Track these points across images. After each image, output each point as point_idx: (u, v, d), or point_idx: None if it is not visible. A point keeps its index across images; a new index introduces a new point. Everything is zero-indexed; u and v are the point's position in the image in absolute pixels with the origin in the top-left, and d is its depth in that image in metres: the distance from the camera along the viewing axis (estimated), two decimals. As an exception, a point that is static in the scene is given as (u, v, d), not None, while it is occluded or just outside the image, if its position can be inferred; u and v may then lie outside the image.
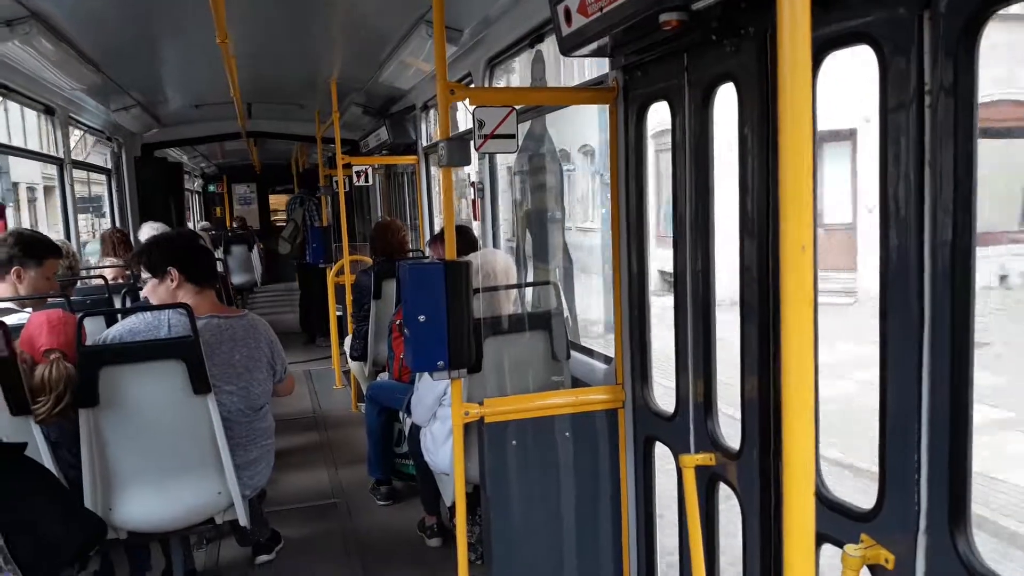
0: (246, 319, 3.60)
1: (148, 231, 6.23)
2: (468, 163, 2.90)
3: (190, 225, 12.86)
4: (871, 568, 1.98)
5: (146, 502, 3.30)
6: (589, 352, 4.07)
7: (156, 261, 3.46)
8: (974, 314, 1.71)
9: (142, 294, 3.61)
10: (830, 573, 2.11)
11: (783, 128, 0.97)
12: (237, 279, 12.09)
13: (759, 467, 2.50)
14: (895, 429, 1.90)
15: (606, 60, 3.19)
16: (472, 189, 5.15)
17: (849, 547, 1.98)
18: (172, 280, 3.44)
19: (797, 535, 1.07)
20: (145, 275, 3.50)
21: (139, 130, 9.14)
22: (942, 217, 1.72)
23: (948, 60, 1.68)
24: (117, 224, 8.77)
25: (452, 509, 3.75)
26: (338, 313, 7.93)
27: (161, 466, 3.29)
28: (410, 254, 6.33)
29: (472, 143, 2.98)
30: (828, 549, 2.14)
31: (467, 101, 3.02)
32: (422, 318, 2.87)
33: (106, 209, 9.31)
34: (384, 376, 5.35)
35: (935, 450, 1.81)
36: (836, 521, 2.14)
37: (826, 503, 2.17)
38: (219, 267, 6.95)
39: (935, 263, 1.75)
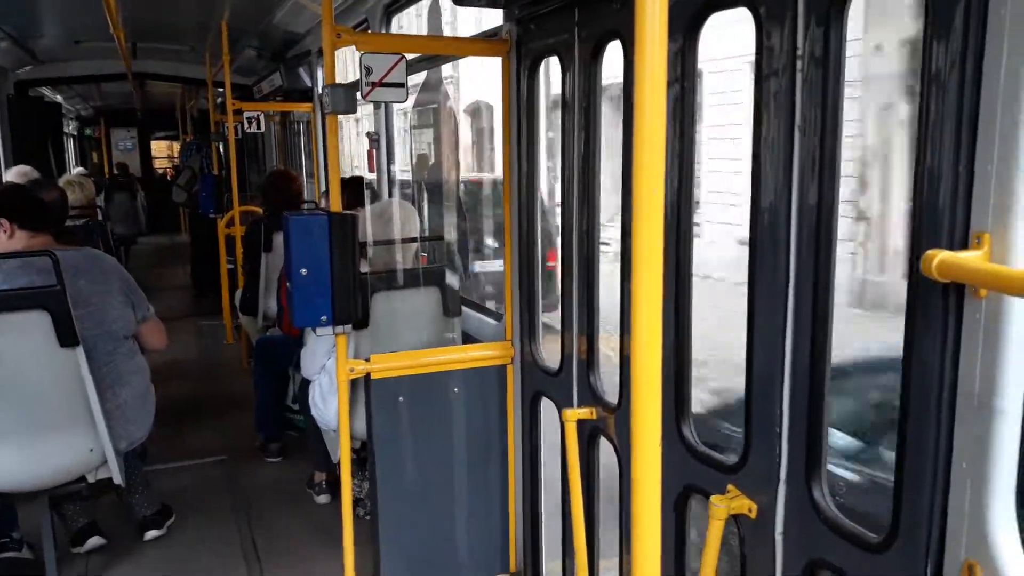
0: (85, 250, 3.57)
1: (15, 177, 5.83)
2: (354, 111, 2.81)
3: (67, 171, 12.09)
4: (735, 517, 2.07)
5: (9, 460, 3.13)
6: (482, 308, 4.07)
7: None
8: (834, 275, 1.78)
9: None
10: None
11: (638, 84, 0.96)
12: (120, 229, 11.50)
13: (635, 421, 2.55)
14: (760, 386, 1.97)
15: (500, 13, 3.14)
16: (367, 140, 5.02)
17: (715, 497, 2.06)
18: (5, 231, 3.41)
19: (644, 486, 1.09)
20: None
21: (11, 66, 8.50)
22: (808, 180, 1.78)
23: (819, 27, 1.71)
24: (-13, 167, 8.19)
25: (340, 465, 3.71)
26: (229, 266, 7.68)
27: (25, 422, 3.12)
28: (304, 206, 6.15)
29: (359, 91, 2.89)
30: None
31: (356, 47, 2.92)
32: (304, 271, 2.80)
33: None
34: (274, 331, 5.22)
35: (795, 406, 1.89)
36: (705, 473, 2.22)
37: (696, 455, 2.25)
38: (99, 215, 6.62)
39: (800, 224, 1.81)
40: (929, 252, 1.35)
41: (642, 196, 0.97)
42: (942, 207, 1.45)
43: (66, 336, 3.01)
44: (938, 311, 1.46)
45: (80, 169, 14.72)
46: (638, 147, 0.95)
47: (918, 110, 1.48)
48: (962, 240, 1.42)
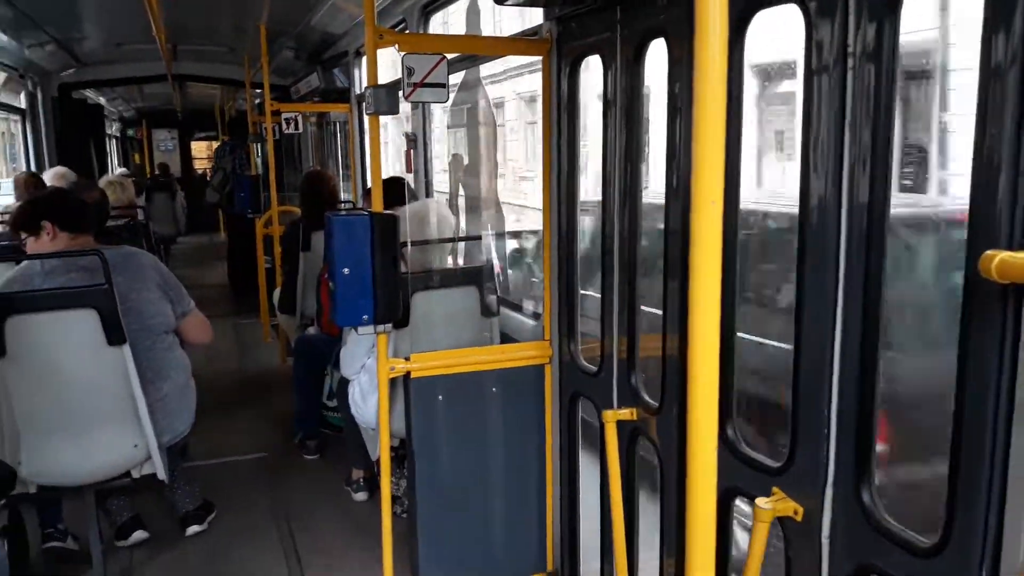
0: (123, 249, 3.63)
1: (52, 178, 5.95)
2: (396, 111, 2.83)
3: (109, 171, 12.31)
4: (780, 520, 2.04)
5: (57, 455, 3.20)
6: (519, 308, 4.07)
7: (29, 220, 3.51)
8: (885, 273, 1.75)
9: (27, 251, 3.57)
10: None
11: (698, 85, 0.95)
12: (159, 229, 11.69)
13: (677, 423, 2.54)
14: (807, 386, 1.95)
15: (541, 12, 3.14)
16: (405, 140, 5.05)
17: (760, 500, 2.04)
18: (48, 233, 3.48)
19: (700, 488, 1.08)
20: (24, 236, 3.54)
21: (55, 69, 8.68)
22: (859, 178, 1.75)
23: (871, 23, 1.69)
24: (32, 167, 8.37)
25: (379, 463, 3.74)
26: (267, 265, 7.76)
27: (73, 418, 3.18)
28: (341, 205, 6.20)
29: (401, 91, 2.91)
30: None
31: (397, 48, 2.94)
32: (347, 271, 2.82)
33: (20, 151, 8.86)
34: (313, 330, 5.27)
35: (844, 407, 1.86)
36: (749, 475, 2.19)
37: (740, 458, 2.23)
38: (140, 215, 6.73)
39: (851, 224, 1.79)
40: (988, 252, 1.32)
41: (701, 197, 0.96)
42: (1000, 207, 1.42)
43: (114, 334, 3.07)
44: (996, 313, 1.43)
45: (122, 170, 15.00)
46: (697, 148, 0.94)
47: (976, 106, 1.45)
48: (1021, 240, 1.39)
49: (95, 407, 3.23)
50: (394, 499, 3.72)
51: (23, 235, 3.55)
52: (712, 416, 1.08)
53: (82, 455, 3.24)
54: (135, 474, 3.40)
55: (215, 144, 16.09)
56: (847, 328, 1.83)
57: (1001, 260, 1.31)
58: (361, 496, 4.53)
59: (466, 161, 6.81)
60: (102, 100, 13.64)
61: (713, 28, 0.97)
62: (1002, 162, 1.41)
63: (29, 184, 5.84)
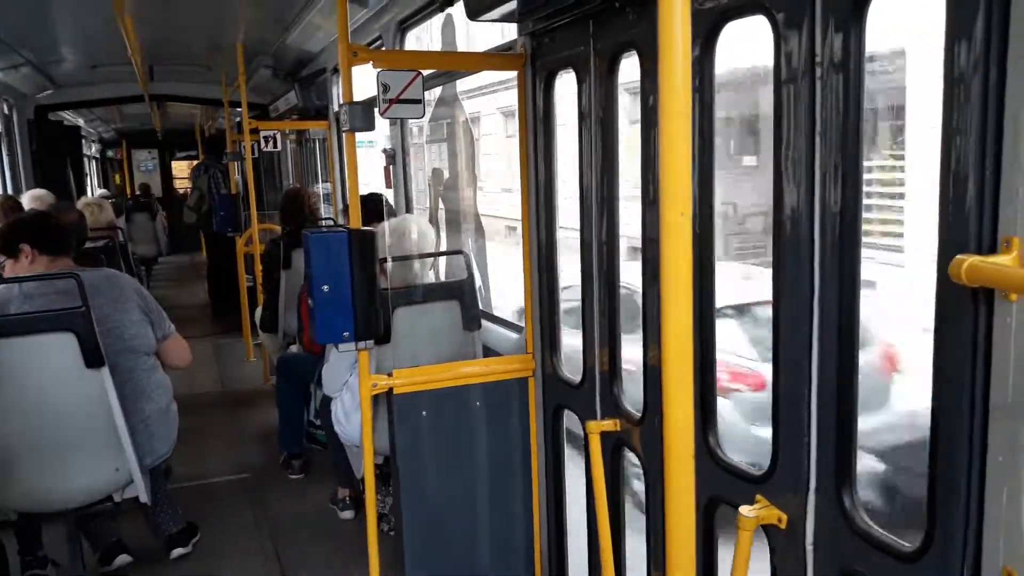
0: (103, 271, 3.63)
1: (29, 201, 5.91)
2: (372, 128, 2.83)
3: (88, 192, 12.23)
4: (765, 528, 2.05)
5: (37, 481, 3.16)
6: (501, 322, 4.07)
7: (8, 243, 3.49)
8: (860, 281, 1.76)
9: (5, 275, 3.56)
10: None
11: (663, 97, 0.96)
12: (140, 249, 11.62)
13: (660, 433, 2.54)
14: (787, 394, 1.96)
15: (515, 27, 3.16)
16: (383, 156, 5.04)
17: (744, 508, 2.04)
18: (27, 256, 3.46)
19: (680, 497, 1.08)
20: (2, 259, 3.54)
21: (31, 91, 8.62)
22: (831, 186, 1.77)
23: (838, 32, 1.71)
24: (9, 191, 8.29)
25: (364, 481, 3.72)
26: (248, 284, 7.72)
27: (53, 443, 3.15)
28: (321, 223, 6.19)
29: (376, 108, 2.91)
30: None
31: (372, 64, 2.94)
32: (326, 288, 2.81)
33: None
34: (295, 348, 5.24)
35: (823, 414, 1.87)
36: (732, 484, 2.20)
37: (723, 466, 2.23)
38: (120, 236, 6.68)
39: (824, 232, 1.80)
40: (958, 257, 1.34)
41: (669, 210, 0.96)
42: (968, 211, 1.43)
43: (92, 357, 3.04)
44: (968, 317, 1.45)
45: (102, 191, 14.90)
46: (664, 162, 0.95)
47: (942, 113, 1.47)
48: (990, 244, 1.40)
49: (75, 431, 3.19)
50: (381, 517, 3.71)
51: (1, 258, 3.53)
52: (688, 428, 1.08)
53: (62, 480, 3.20)
54: (117, 497, 3.37)
55: (192, 164, 16.04)
56: (824, 334, 1.84)
57: (970, 264, 1.32)
58: (347, 515, 4.50)
59: (446, 175, 6.82)
60: (80, 121, 13.56)
61: (677, 41, 0.97)
62: (969, 168, 1.43)
63: (6, 207, 5.77)
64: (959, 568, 1.53)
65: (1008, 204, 1.36)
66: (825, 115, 1.76)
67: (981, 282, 1.34)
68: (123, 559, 3.98)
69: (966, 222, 1.44)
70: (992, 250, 1.39)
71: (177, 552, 4.11)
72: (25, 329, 3.03)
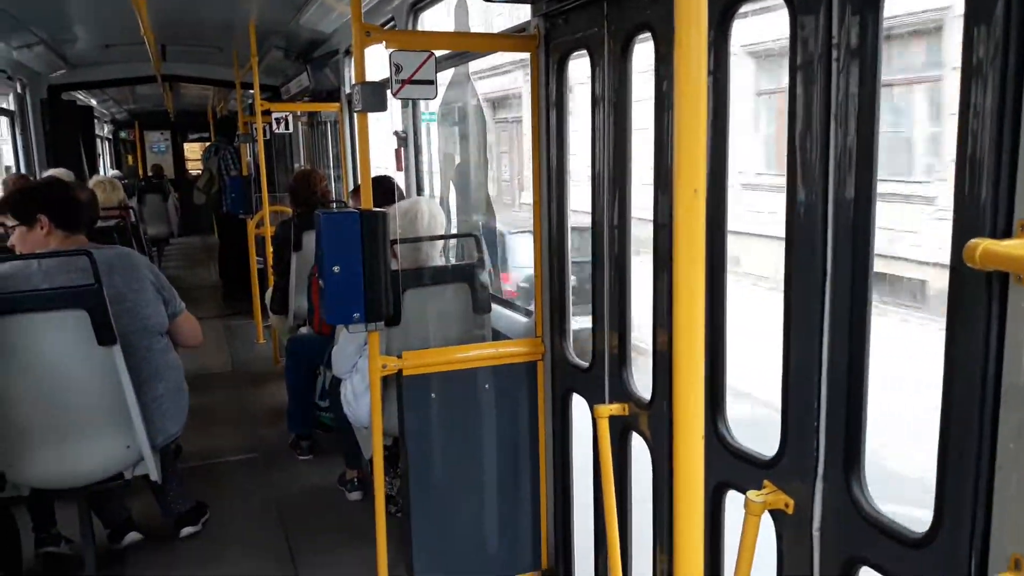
0: (117, 248, 3.57)
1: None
2: (384, 108, 2.82)
3: (101, 173, 12.27)
4: (772, 513, 2.05)
5: (49, 458, 3.18)
6: (511, 305, 4.07)
7: (25, 208, 3.41)
8: (872, 266, 1.75)
9: (9, 242, 3.50)
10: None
11: (679, 73, 0.95)
12: (152, 230, 11.67)
13: (668, 417, 2.55)
14: (796, 380, 1.95)
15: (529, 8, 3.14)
16: (395, 138, 5.04)
17: (751, 493, 2.04)
18: (42, 227, 3.40)
19: (686, 481, 1.08)
20: (11, 223, 3.43)
21: (44, 70, 8.64)
22: (845, 172, 1.75)
23: (855, 16, 1.69)
24: (23, 170, 8.33)
25: (372, 462, 3.73)
26: (259, 265, 7.74)
27: (64, 420, 3.17)
28: (332, 205, 6.19)
29: (389, 89, 2.90)
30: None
31: (384, 45, 2.93)
32: (337, 269, 2.81)
33: (8, 154, 8.82)
34: (305, 330, 5.26)
35: (833, 400, 1.86)
36: (740, 469, 2.20)
37: (731, 451, 2.23)
38: (132, 217, 6.71)
39: (837, 217, 1.79)
40: (972, 241, 1.33)
41: (683, 190, 0.96)
42: (984, 195, 1.42)
43: (104, 334, 3.05)
44: (981, 300, 1.44)
45: (115, 172, 14.95)
46: (679, 133, 0.94)
47: (959, 99, 1.45)
48: (1005, 228, 1.39)
49: (86, 409, 3.21)
50: (389, 498, 3.72)
51: (10, 223, 3.43)
52: (698, 410, 1.08)
53: (74, 457, 3.23)
54: (128, 475, 3.39)
55: (204, 146, 16.09)
56: (835, 321, 1.83)
57: (984, 248, 1.31)
58: (355, 496, 4.53)
59: (457, 160, 6.80)
60: (93, 102, 13.59)
61: (694, 20, 0.97)
62: (984, 153, 1.41)
63: (18, 186, 5.80)
64: (967, 554, 1.52)
65: None
66: (840, 99, 1.75)
67: (995, 265, 1.33)
68: (133, 536, 4.02)
69: (982, 206, 1.43)
70: (1007, 234, 1.38)
71: (187, 530, 4.15)
72: (38, 306, 3.04)
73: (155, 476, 3.37)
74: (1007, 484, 1.43)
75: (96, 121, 14.22)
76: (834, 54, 1.74)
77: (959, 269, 1.45)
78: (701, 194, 0.96)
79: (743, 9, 2.07)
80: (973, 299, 1.45)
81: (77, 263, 3.23)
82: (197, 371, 6.55)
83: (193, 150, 20.30)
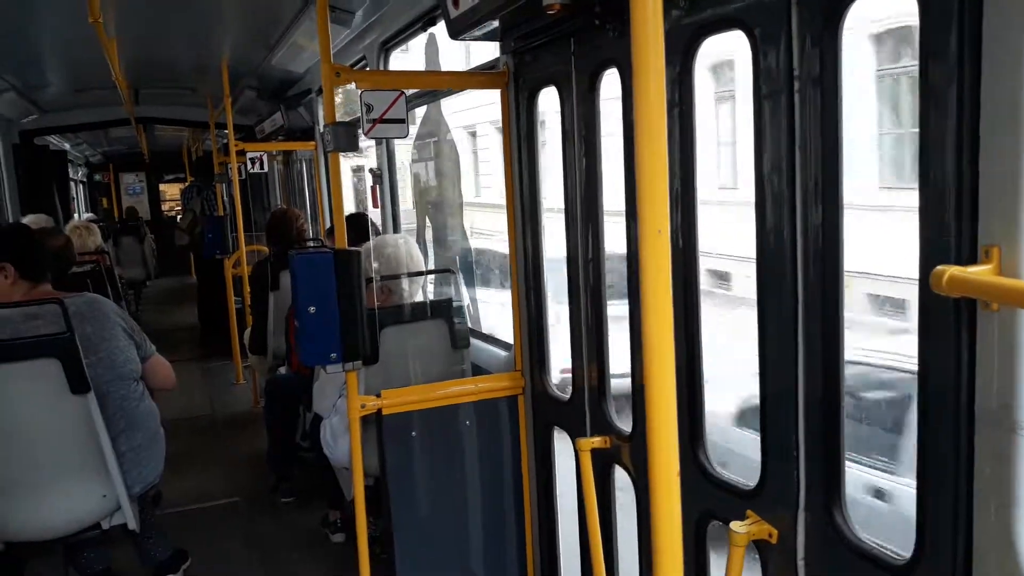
0: (85, 296, 3.50)
1: (30, 225, 5.86)
2: (356, 148, 2.83)
3: (76, 217, 12.18)
4: (756, 543, 2.04)
5: (23, 510, 3.12)
6: (490, 339, 4.05)
7: None
8: (843, 294, 1.76)
9: None
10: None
11: (639, 114, 0.96)
12: (128, 273, 11.57)
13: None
14: (774, 410, 1.95)
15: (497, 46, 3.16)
16: (370, 176, 5.04)
17: (735, 524, 2.03)
18: (6, 276, 3.33)
19: (665, 514, 1.07)
20: None
21: (16, 116, 8.60)
22: (812, 200, 1.77)
23: (814, 47, 1.72)
24: (-5, 217, 8.25)
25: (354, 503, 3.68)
26: (237, 306, 7.69)
27: (38, 471, 3.11)
28: (309, 243, 6.18)
29: (360, 128, 2.91)
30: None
31: (355, 84, 2.94)
32: (312, 309, 2.80)
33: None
34: (284, 370, 5.21)
35: (811, 430, 1.86)
36: (723, 499, 2.19)
37: (712, 481, 2.22)
38: (107, 261, 6.65)
39: (806, 245, 1.80)
40: (938, 268, 1.34)
41: (647, 231, 0.96)
42: (948, 222, 1.44)
43: (77, 383, 3.00)
44: (950, 327, 1.45)
45: (89, 215, 14.83)
46: (641, 178, 0.95)
47: (919, 126, 1.48)
48: (970, 254, 1.41)
49: (61, 459, 3.15)
50: (373, 539, 3.66)
51: None
52: (672, 446, 1.08)
53: (49, 508, 3.16)
54: (105, 525, 3.32)
55: (183, 187, 16.04)
56: (809, 348, 1.84)
57: (951, 275, 1.32)
58: (339, 538, 4.46)
59: (433, 194, 6.84)
60: (66, 145, 13.52)
61: (651, 57, 0.97)
62: (948, 179, 1.43)
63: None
64: None
65: (987, 214, 1.37)
66: (804, 129, 1.77)
67: (962, 292, 1.34)
68: None
69: (946, 233, 1.44)
70: (972, 260, 1.40)
71: None
72: (9, 356, 3.00)
73: (133, 525, 3.31)
74: (986, 509, 1.43)
75: (70, 164, 14.14)
76: (796, 85, 1.77)
77: (928, 295, 1.46)
78: (665, 234, 0.97)
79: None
80: (943, 325, 1.47)
81: (45, 312, 3.18)
82: (176, 415, 6.47)
83: (173, 192, 20.24)
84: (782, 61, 1.79)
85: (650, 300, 0.99)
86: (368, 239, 4.23)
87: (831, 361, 1.78)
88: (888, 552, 1.71)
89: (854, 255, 1.76)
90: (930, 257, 1.47)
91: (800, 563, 1.93)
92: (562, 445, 3.24)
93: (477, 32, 2.88)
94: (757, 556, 2.05)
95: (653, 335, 1.01)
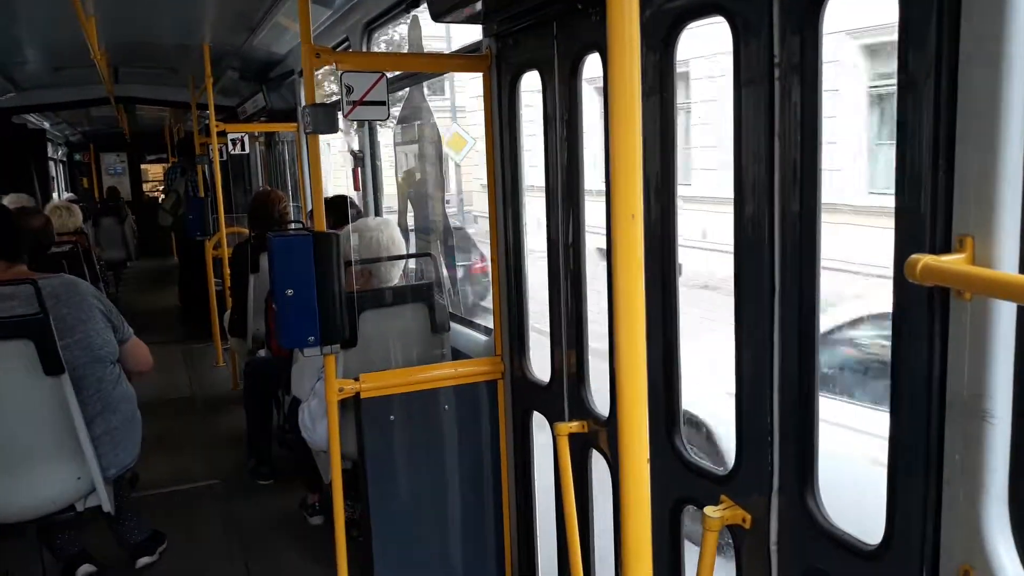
0: (61, 277, 3.46)
1: (11, 204, 5.81)
2: (335, 130, 2.80)
3: (55, 196, 12.03)
4: (730, 528, 2.05)
5: (-5, 491, 3.09)
6: (471, 324, 4.05)
7: None
8: (819, 281, 1.77)
9: None
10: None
11: (613, 98, 0.95)
12: (108, 254, 11.45)
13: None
14: (749, 395, 1.96)
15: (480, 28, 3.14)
16: (352, 158, 5.01)
17: (709, 509, 2.04)
18: None
19: (635, 500, 1.08)
20: None
21: None
22: (790, 188, 1.77)
23: (795, 35, 1.71)
24: (-29, 196, 8.14)
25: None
26: (217, 288, 7.64)
27: (11, 453, 3.08)
28: (291, 226, 6.13)
29: (340, 110, 2.88)
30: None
31: (335, 66, 2.91)
32: (290, 292, 2.77)
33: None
34: (263, 352, 5.18)
35: (785, 415, 1.87)
36: (697, 484, 2.20)
37: (688, 467, 2.23)
38: (86, 242, 6.58)
39: (784, 233, 1.81)
40: (912, 257, 1.34)
41: (620, 216, 0.96)
42: (923, 211, 1.44)
43: (51, 364, 2.98)
44: (923, 315, 1.46)
45: (69, 195, 14.65)
46: (615, 162, 0.94)
47: (896, 117, 1.48)
48: (944, 243, 1.41)
49: (34, 440, 3.13)
50: (351, 522, 3.67)
51: None
52: (642, 433, 1.08)
53: (22, 490, 3.14)
54: (79, 507, 3.30)
55: (167, 167, 15.90)
56: (784, 335, 1.85)
57: (925, 264, 1.33)
58: (317, 520, 4.46)
59: (417, 176, 6.80)
60: (46, 124, 13.33)
61: (627, 41, 0.97)
62: (923, 169, 1.44)
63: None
64: (919, 566, 1.54)
65: (962, 203, 1.38)
66: (784, 116, 1.77)
67: (936, 281, 1.34)
68: (86, 569, 3.91)
69: (921, 222, 1.45)
70: (946, 249, 1.40)
71: (143, 561, 4.04)
72: None
73: (108, 507, 3.29)
74: (955, 496, 1.45)
75: (49, 144, 13.95)
76: (776, 73, 1.77)
77: (902, 284, 1.47)
78: (638, 219, 0.96)
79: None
80: (916, 313, 1.47)
81: (20, 293, 3.15)
82: (156, 396, 6.43)
83: (156, 172, 20.03)
84: (763, 48, 1.79)
85: (622, 284, 0.98)
86: (348, 221, 4.20)
87: (806, 348, 1.79)
88: (858, 539, 1.73)
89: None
90: (905, 245, 1.47)
91: (773, 548, 1.95)
92: (540, 429, 3.25)
93: (459, 14, 2.86)
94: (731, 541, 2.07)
95: (624, 319, 1.01)
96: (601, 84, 2.62)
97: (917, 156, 1.45)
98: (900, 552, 1.59)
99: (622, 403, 1.06)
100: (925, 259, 1.33)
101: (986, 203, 1.33)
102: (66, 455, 3.16)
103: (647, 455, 1.11)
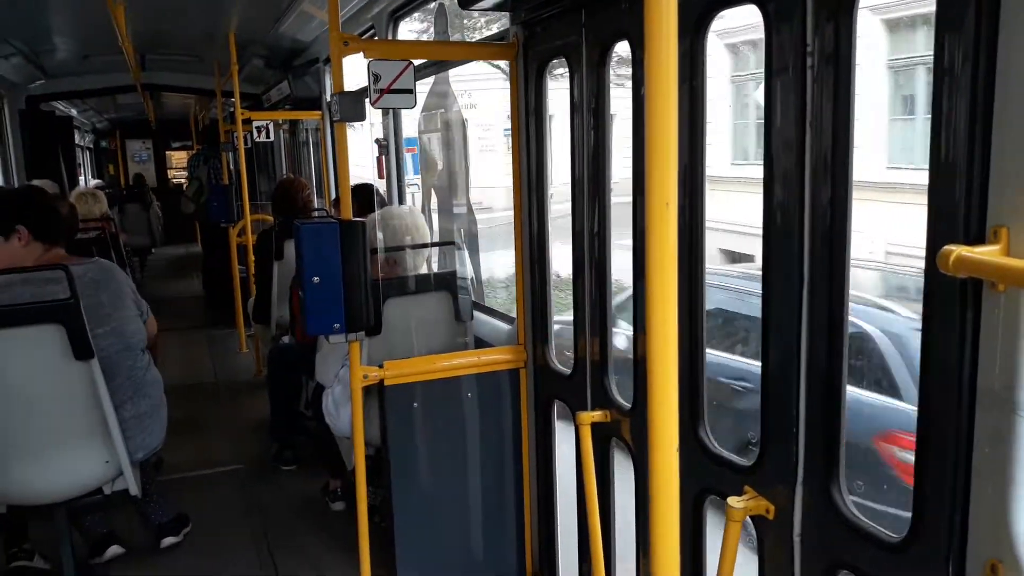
0: (99, 262, 3.46)
1: None
2: (362, 118, 2.81)
3: (81, 182, 12.17)
4: (753, 519, 2.05)
5: (26, 474, 3.13)
6: (494, 312, 4.06)
7: (2, 219, 3.28)
8: (849, 272, 1.76)
9: None
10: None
11: (649, 86, 0.95)
12: (133, 241, 11.58)
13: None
14: (775, 386, 1.95)
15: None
16: (376, 146, 5.02)
17: (732, 499, 2.04)
18: (20, 239, 3.28)
19: (663, 490, 1.08)
20: None
21: (22, 81, 8.57)
22: (821, 177, 1.76)
23: (829, 23, 1.70)
24: (0, 183, 8.26)
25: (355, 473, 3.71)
26: (241, 275, 7.70)
27: (41, 436, 3.12)
28: (314, 213, 6.17)
29: (368, 98, 2.89)
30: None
31: (363, 54, 2.92)
32: (316, 279, 2.80)
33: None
34: (287, 339, 5.23)
35: (812, 406, 1.87)
36: (721, 475, 2.20)
37: (711, 458, 2.23)
38: (112, 228, 6.65)
39: (814, 222, 1.79)
40: (946, 248, 1.33)
41: (655, 203, 0.96)
42: (958, 202, 1.43)
43: (81, 349, 3.01)
44: (955, 307, 1.45)
45: (97, 181, 14.81)
46: (651, 149, 0.94)
47: (932, 104, 1.46)
48: (978, 234, 1.40)
49: (64, 424, 3.16)
50: (372, 509, 3.70)
51: None
52: (671, 424, 1.08)
53: (52, 473, 3.18)
54: (107, 490, 3.35)
55: (191, 154, 16.01)
56: (813, 326, 1.83)
57: (958, 255, 1.32)
58: (339, 506, 4.50)
59: (440, 166, 6.79)
60: (73, 111, 13.48)
61: (664, 28, 0.96)
62: (958, 159, 1.42)
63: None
64: (945, 559, 1.53)
65: (997, 194, 1.36)
66: (816, 105, 1.75)
67: (969, 272, 1.33)
68: (114, 550, 3.97)
69: (955, 212, 1.43)
70: (980, 240, 1.39)
71: (167, 541, 4.10)
72: (13, 321, 3.00)
73: (135, 491, 3.33)
74: (983, 489, 1.43)
75: (76, 131, 14.11)
76: (808, 61, 1.75)
77: (934, 274, 1.46)
78: (673, 207, 0.96)
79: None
80: (948, 305, 1.46)
81: (45, 276, 3.17)
82: (180, 381, 6.51)
83: (180, 159, 20.18)
84: (796, 36, 1.77)
85: (655, 273, 0.98)
86: (373, 210, 4.22)
87: (835, 339, 1.78)
88: (884, 531, 1.72)
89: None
90: (938, 236, 1.46)
91: (796, 539, 1.95)
92: (562, 418, 3.26)
93: (487, 2, 2.86)
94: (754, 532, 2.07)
95: (657, 309, 1.01)
96: (619, 72, 2.63)
97: (952, 144, 1.43)
98: (926, 545, 1.58)
99: (652, 393, 1.06)
100: (958, 250, 1.32)
101: (1022, 194, 1.32)
102: (94, 439, 3.19)
103: (676, 446, 1.11)
